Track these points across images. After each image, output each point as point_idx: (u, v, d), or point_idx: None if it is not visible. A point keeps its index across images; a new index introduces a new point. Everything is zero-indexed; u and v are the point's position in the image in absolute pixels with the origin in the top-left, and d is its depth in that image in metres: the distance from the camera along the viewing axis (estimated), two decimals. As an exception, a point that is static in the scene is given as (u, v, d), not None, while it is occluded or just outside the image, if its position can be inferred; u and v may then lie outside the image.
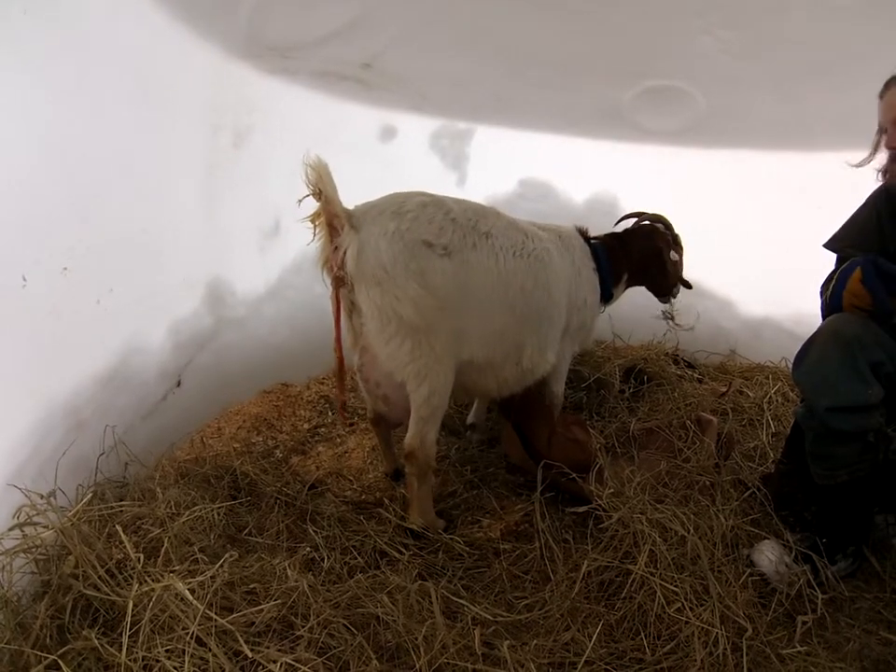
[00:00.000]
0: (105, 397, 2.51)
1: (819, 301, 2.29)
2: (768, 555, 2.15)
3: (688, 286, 3.23)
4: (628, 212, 3.32)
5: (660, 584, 1.95)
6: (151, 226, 2.86)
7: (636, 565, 2.02)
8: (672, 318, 3.36)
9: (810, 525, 2.25)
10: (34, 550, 1.82)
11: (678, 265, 3.10)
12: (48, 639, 1.64)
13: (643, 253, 3.07)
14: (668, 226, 3.17)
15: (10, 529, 1.81)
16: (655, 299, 3.32)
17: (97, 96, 2.48)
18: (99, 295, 2.52)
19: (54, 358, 2.30)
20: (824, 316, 2.23)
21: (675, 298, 3.29)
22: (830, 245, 2.36)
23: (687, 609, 1.89)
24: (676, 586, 1.95)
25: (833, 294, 2.14)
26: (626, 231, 3.17)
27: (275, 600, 1.81)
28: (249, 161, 3.36)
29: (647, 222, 3.17)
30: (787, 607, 2.03)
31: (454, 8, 3.01)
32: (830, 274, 2.28)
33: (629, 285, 3.17)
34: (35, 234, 2.21)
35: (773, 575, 2.12)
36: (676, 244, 3.16)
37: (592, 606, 2.02)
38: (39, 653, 1.57)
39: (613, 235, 3.12)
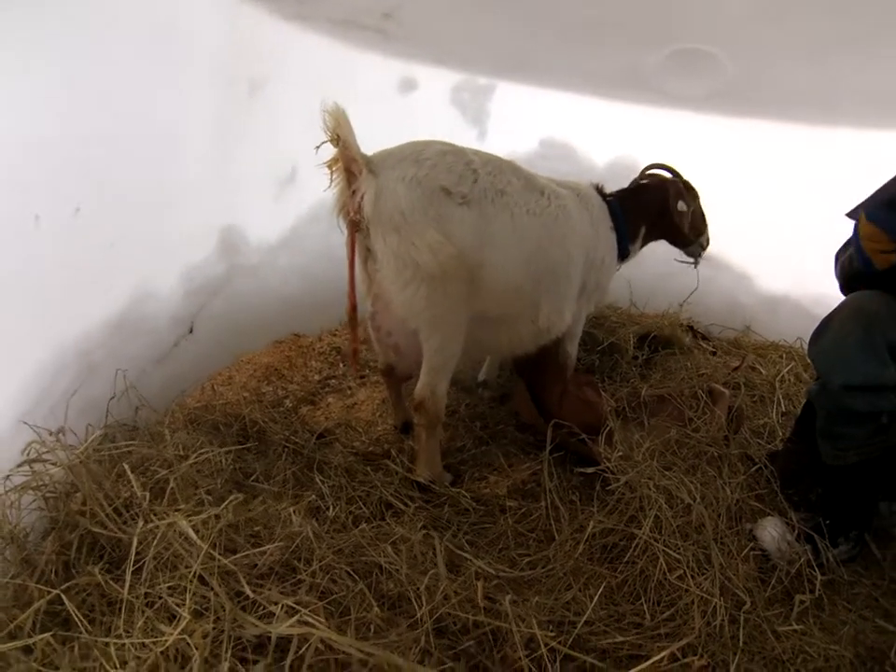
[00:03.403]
0: (116, 341, 2.51)
1: (834, 269, 2.24)
2: (771, 531, 2.15)
3: (700, 242, 3.14)
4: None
5: (663, 550, 1.96)
6: (166, 171, 2.82)
7: (640, 529, 2.03)
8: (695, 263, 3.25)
9: (814, 506, 2.24)
10: (42, 487, 1.84)
11: (684, 215, 2.98)
12: (52, 575, 1.66)
13: (655, 204, 2.98)
14: (676, 173, 3.07)
15: (19, 466, 1.84)
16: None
17: (111, 40, 2.42)
18: (113, 239, 2.50)
19: (66, 300, 2.29)
20: (840, 281, 2.17)
21: (700, 254, 3.20)
22: (852, 214, 2.27)
23: (688, 577, 1.90)
24: (679, 553, 1.95)
25: (855, 254, 2.07)
26: (639, 184, 3.09)
27: (279, 543, 1.82)
28: (265, 108, 3.29)
29: (656, 172, 3.08)
30: (786, 584, 2.03)
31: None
32: (846, 241, 2.22)
33: (647, 240, 3.09)
34: (49, 177, 2.18)
35: (774, 552, 2.12)
36: (688, 192, 3.06)
37: (594, 567, 2.03)
38: (43, 588, 1.59)
39: (627, 191, 3.04)
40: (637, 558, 1.99)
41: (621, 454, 2.34)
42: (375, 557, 1.90)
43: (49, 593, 1.57)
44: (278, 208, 3.56)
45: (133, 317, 2.64)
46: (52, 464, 1.86)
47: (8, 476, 1.81)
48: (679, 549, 1.96)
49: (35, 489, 1.83)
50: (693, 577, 1.90)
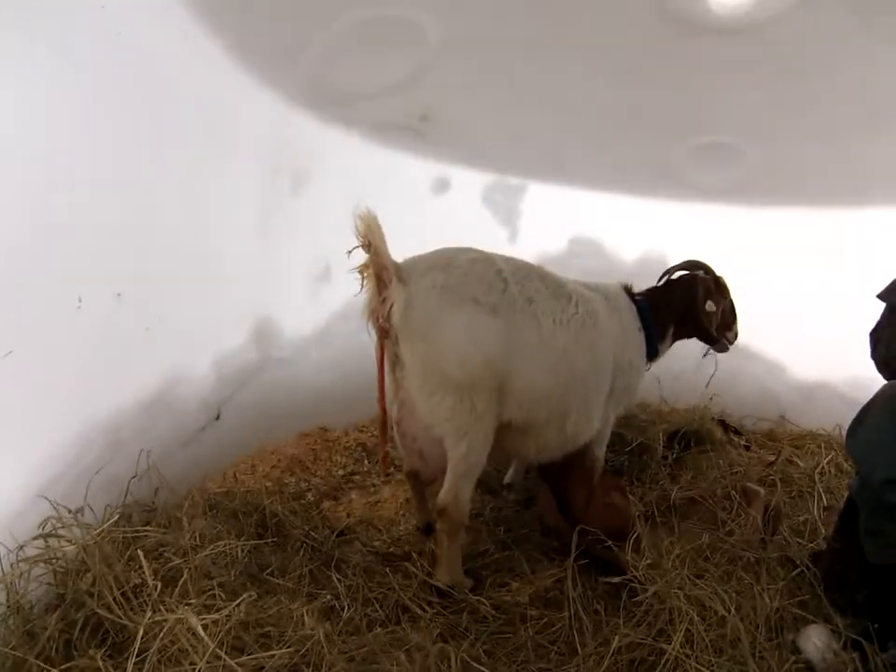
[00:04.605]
0: (144, 421, 2.56)
1: (870, 350, 2.19)
2: (815, 641, 2.00)
3: (721, 340, 3.10)
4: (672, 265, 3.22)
5: (695, 668, 1.82)
6: (206, 261, 2.96)
7: (670, 644, 1.91)
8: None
9: (861, 609, 2.07)
10: (54, 561, 1.83)
11: (712, 316, 2.97)
12: (53, 652, 1.64)
13: (685, 303, 2.98)
14: (708, 270, 3.07)
15: (34, 538, 1.84)
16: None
17: (164, 133, 2.61)
18: (149, 322, 2.59)
19: (99, 378, 2.36)
20: (875, 360, 2.12)
21: (726, 349, 3.16)
22: (883, 295, 2.24)
23: (724, 697, 1.76)
24: (713, 670, 1.81)
25: None
26: (668, 282, 3.09)
27: (289, 647, 1.77)
28: (305, 206, 3.46)
29: (687, 271, 3.08)
30: (832, 699, 1.87)
31: (509, 65, 3.10)
32: (878, 322, 2.19)
33: (676, 338, 3.07)
34: (94, 259, 2.31)
35: (819, 663, 1.96)
36: (719, 290, 3.06)
37: (620, 686, 1.89)
38: (42, 665, 1.57)
39: (656, 289, 3.05)
40: (666, 676, 1.86)
41: (649, 561, 2.24)
42: (388, 666, 1.83)
43: (47, 671, 1.54)
44: (313, 303, 3.66)
45: (163, 399, 2.70)
46: (67, 541, 1.86)
47: (21, 547, 1.81)
48: (712, 665, 1.83)
49: (46, 562, 1.82)
50: (729, 698, 1.76)
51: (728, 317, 3.12)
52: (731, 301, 3.14)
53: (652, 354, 2.94)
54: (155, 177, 2.56)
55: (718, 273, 3.11)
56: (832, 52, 2.81)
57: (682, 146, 3.62)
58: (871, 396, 2.05)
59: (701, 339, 3.12)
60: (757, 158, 3.57)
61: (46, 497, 1.94)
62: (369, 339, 2.36)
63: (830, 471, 3.13)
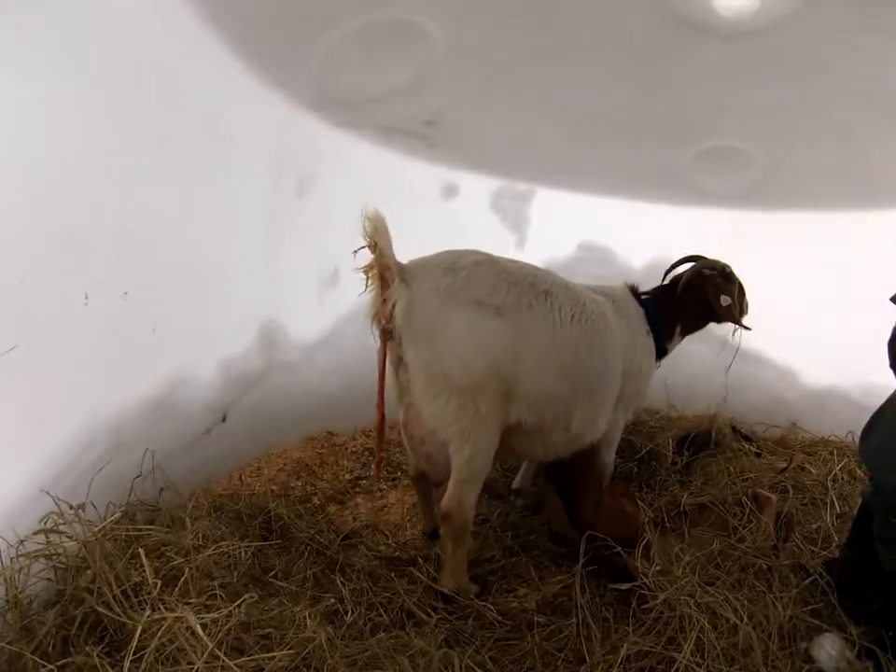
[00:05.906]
0: (149, 422, 2.55)
1: (888, 360, 2.10)
2: (829, 650, 1.94)
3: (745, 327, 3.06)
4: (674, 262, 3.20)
5: (706, 677, 1.77)
6: (213, 263, 2.96)
7: (680, 653, 1.86)
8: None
9: (876, 617, 2.03)
10: (54, 557, 1.83)
11: (731, 307, 2.93)
12: (50, 648, 1.63)
13: (693, 302, 2.95)
14: (713, 266, 3.02)
15: (35, 533, 1.84)
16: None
17: (169, 136, 2.62)
18: (156, 323, 2.59)
19: (105, 377, 2.36)
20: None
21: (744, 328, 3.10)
22: None
23: (735, 708, 1.71)
24: (724, 680, 1.76)
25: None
26: (674, 280, 3.04)
27: (290, 649, 1.75)
28: (312, 209, 3.45)
29: (693, 268, 3.03)
30: (844, 709, 1.82)
31: (515, 70, 3.09)
32: (894, 331, 2.12)
33: (684, 335, 3.04)
34: (101, 258, 2.32)
35: None
36: (727, 279, 3.01)
37: (628, 696, 1.85)
38: (39, 660, 1.56)
39: (662, 289, 3.02)
40: (676, 685, 1.81)
41: (659, 568, 2.21)
42: (391, 671, 1.80)
43: (44, 666, 1.54)
44: (320, 307, 3.65)
45: (169, 401, 2.70)
46: (68, 537, 1.86)
47: (22, 542, 1.81)
48: (724, 675, 1.78)
49: (46, 558, 1.82)
50: (740, 709, 1.72)
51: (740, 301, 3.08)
52: (739, 283, 3.09)
53: (661, 353, 2.91)
54: (161, 179, 2.56)
55: (722, 263, 3.07)
56: (839, 52, 2.77)
57: (690, 150, 3.60)
58: (883, 401, 2.02)
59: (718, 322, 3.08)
60: (766, 161, 3.53)
61: (48, 493, 1.94)
62: (375, 343, 2.33)
63: (843, 478, 3.08)
